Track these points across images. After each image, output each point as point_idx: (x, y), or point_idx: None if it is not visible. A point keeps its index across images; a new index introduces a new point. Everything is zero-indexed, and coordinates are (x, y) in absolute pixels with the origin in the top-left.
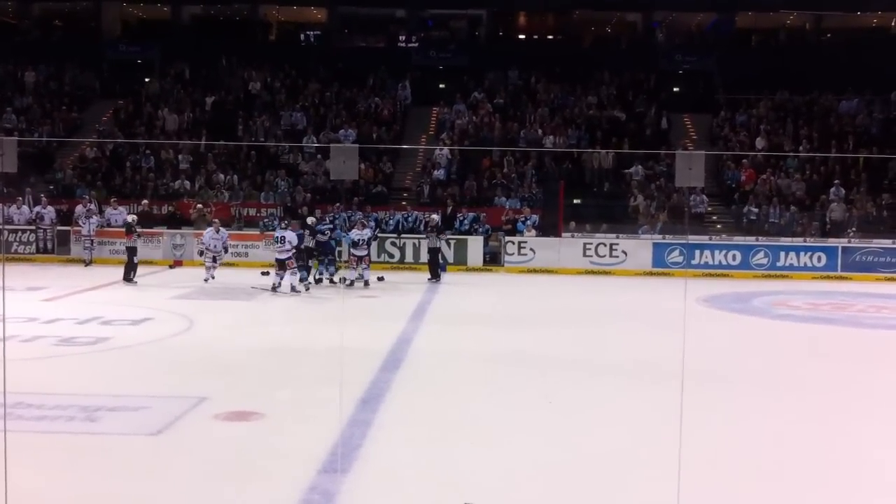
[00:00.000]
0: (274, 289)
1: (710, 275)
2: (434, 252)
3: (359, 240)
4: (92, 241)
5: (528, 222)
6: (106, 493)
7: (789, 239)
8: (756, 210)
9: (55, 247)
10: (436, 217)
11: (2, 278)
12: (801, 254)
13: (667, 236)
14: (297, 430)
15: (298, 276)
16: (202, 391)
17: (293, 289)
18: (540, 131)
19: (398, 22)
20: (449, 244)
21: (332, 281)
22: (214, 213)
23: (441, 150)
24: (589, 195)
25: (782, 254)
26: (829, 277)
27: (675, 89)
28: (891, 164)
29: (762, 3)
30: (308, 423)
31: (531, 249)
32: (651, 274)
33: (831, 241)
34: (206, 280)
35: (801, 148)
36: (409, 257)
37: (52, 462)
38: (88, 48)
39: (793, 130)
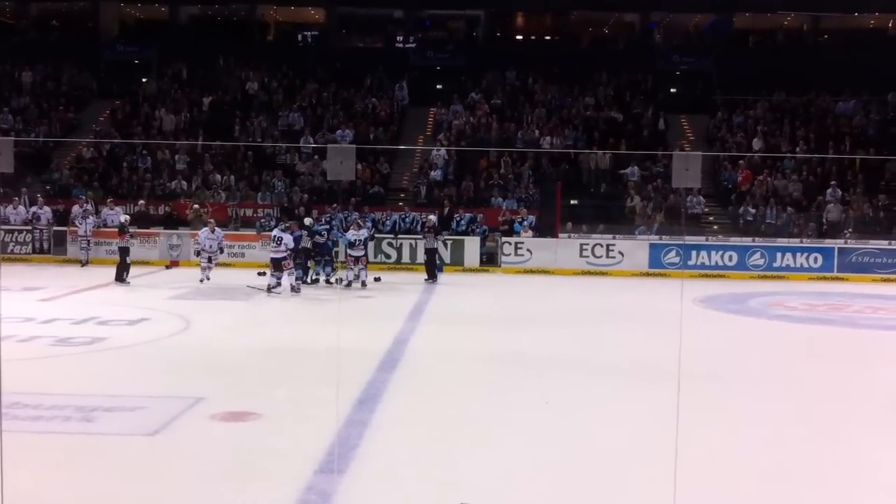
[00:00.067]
0: (269, 290)
1: (707, 275)
2: (431, 253)
3: (355, 240)
4: (88, 241)
5: (525, 223)
6: (102, 493)
7: (786, 240)
8: (753, 211)
9: (52, 247)
10: (433, 218)
11: None
12: (798, 255)
13: (663, 237)
14: (295, 431)
15: (295, 275)
16: (199, 391)
17: (293, 289)
18: (537, 132)
19: (396, 22)
20: (446, 245)
21: (328, 281)
22: (211, 214)
23: (438, 150)
24: (586, 196)
25: (779, 255)
26: (825, 278)
27: (672, 90)
28: (887, 165)
29: (760, 4)
30: (305, 424)
31: (528, 250)
32: (648, 275)
33: (828, 242)
34: (201, 281)
35: (798, 149)
36: (405, 258)
37: (48, 462)
38: (85, 48)
39: (790, 131)
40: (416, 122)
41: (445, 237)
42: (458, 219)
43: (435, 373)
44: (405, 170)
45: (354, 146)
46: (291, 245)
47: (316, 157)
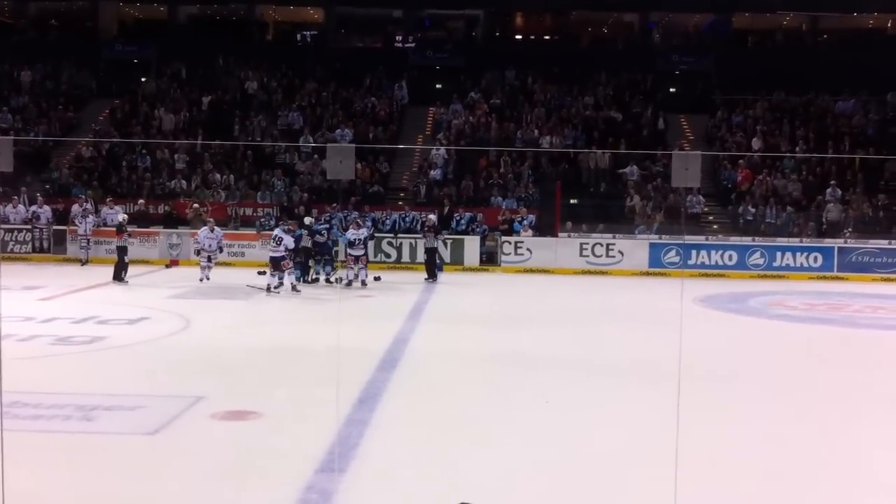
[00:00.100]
0: (268, 289)
1: (707, 275)
2: (431, 252)
3: (355, 239)
4: (88, 240)
5: (525, 222)
6: (102, 492)
7: (786, 239)
8: (753, 210)
9: (51, 246)
10: (433, 217)
11: None
12: (798, 254)
13: (663, 236)
14: (295, 430)
15: (295, 275)
16: (199, 391)
17: (293, 288)
18: (536, 131)
19: (395, 22)
20: (446, 244)
21: (328, 281)
22: (211, 213)
23: (438, 150)
24: (585, 195)
25: (779, 254)
26: (825, 278)
27: (671, 90)
28: (887, 164)
29: (759, 4)
30: (305, 423)
31: (528, 249)
32: (647, 274)
33: (828, 242)
34: (201, 280)
35: (797, 149)
36: (405, 257)
37: (48, 461)
38: (85, 47)
39: (789, 131)
40: (416, 122)
41: (445, 236)
42: (457, 218)
43: (435, 372)
44: (405, 169)
45: (354, 145)
46: (291, 246)
47: (315, 156)
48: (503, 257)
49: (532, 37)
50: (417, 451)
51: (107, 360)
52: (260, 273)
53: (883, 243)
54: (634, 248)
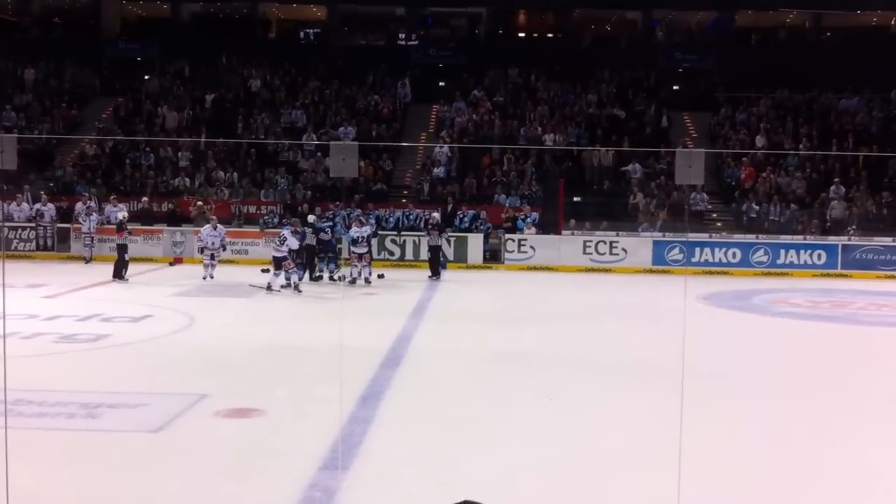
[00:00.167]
0: (269, 288)
1: (710, 272)
2: (435, 250)
3: (358, 237)
4: (92, 238)
5: (528, 220)
6: (106, 490)
7: (789, 237)
8: (756, 208)
9: (55, 244)
10: (436, 215)
11: (2, 275)
12: (801, 252)
13: (667, 234)
14: (298, 428)
15: (296, 275)
16: (202, 388)
17: (296, 287)
18: (540, 129)
19: (398, 20)
20: (449, 242)
21: (332, 278)
22: (214, 211)
23: (441, 147)
24: (589, 193)
25: (782, 252)
26: (828, 275)
27: (674, 87)
28: (891, 162)
29: (762, 2)
30: (308, 421)
31: (531, 247)
32: (651, 272)
33: (831, 239)
34: (204, 278)
35: (800, 146)
36: (409, 255)
37: (52, 459)
38: (88, 45)
39: (792, 129)
40: (419, 120)
41: (449, 234)
42: (461, 216)
43: (438, 370)
44: (408, 167)
45: (357, 143)
46: (295, 247)
47: (319, 154)
48: (506, 255)
49: (535, 34)
50: (420, 449)
51: (110, 358)
52: (264, 271)
53: (887, 241)
54: (638, 246)
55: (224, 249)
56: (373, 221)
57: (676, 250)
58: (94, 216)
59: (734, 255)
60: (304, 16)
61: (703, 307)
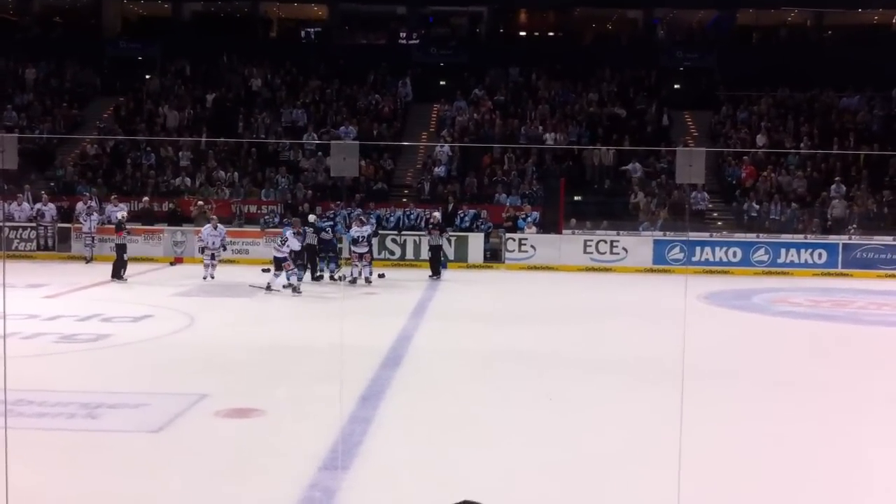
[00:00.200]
0: (268, 288)
1: (711, 272)
2: (436, 250)
3: (358, 237)
4: (93, 238)
5: (529, 219)
6: (106, 490)
7: (790, 236)
8: (757, 207)
9: (56, 244)
10: (437, 215)
11: (2, 275)
12: (802, 251)
13: (667, 233)
14: (298, 428)
15: (296, 276)
16: (202, 388)
17: (294, 289)
18: (540, 128)
19: (399, 19)
20: (450, 241)
21: (333, 278)
22: (215, 211)
23: (442, 146)
24: (589, 192)
25: (783, 251)
26: (829, 274)
27: (675, 86)
28: (892, 160)
29: (763, 0)
30: (308, 421)
31: (532, 246)
32: (651, 271)
33: (832, 238)
34: (204, 278)
35: (801, 145)
36: (409, 254)
37: (52, 459)
38: (89, 45)
39: (793, 127)
40: (420, 119)
41: (450, 234)
42: (461, 215)
43: (438, 370)
44: (409, 166)
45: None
46: (297, 249)
47: (319, 153)
48: (507, 254)
49: (536, 33)
50: (420, 449)
51: (110, 358)
52: (264, 271)
53: (887, 240)
54: (638, 245)
55: (224, 249)
56: (373, 221)
57: (677, 249)
58: (95, 216)
59: (735, 255)
60: (305, 15)
61: (704, 306)
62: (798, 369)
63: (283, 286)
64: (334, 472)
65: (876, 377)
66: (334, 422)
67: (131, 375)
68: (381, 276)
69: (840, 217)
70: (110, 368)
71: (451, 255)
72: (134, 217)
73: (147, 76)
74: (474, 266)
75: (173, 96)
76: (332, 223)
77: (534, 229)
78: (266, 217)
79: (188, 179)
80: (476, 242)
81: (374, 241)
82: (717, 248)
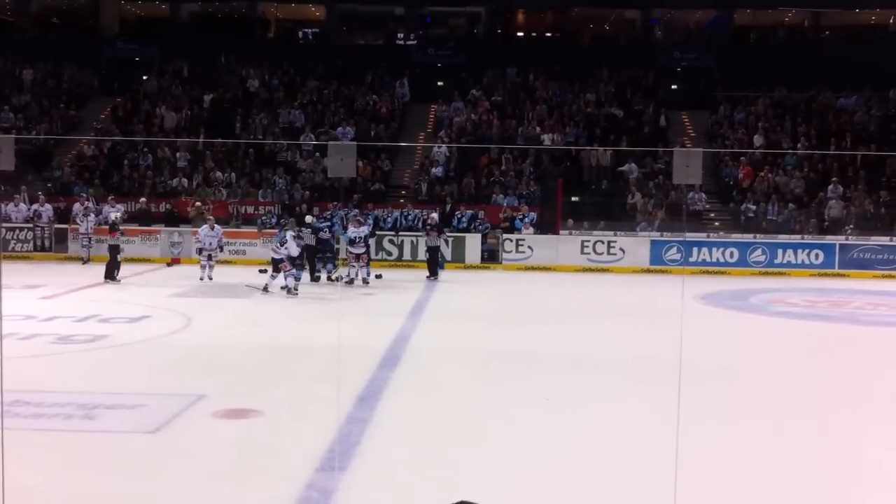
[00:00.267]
0: (265, 289)
1: (708, 272)
2: (434, 251)
3: (356, 237)
4: (90, 238)
5: (526, 220)
6: (103, 491)
7: (787, 236)
8: (754, 207)
9: (53, 244)
10: (435, 216)
11: None
12: (799, 251)
13: (664, 234)
14: (295, 428)
15: (293, 278)
16: (200, 389)
17: (289, 291)
18: (538, 129)
19: (397, 19)
20: (447, 242)
21: (330, 279)
22: (212, 211)
23: (439, 147)
24: (587, 193)
25: (780, 251)
26: (826, 275)
27: (673, 87)
28: (889, 161)
29: (761, 1)
30: (306, 421)
31: (529, 247)
32: (649, 271)
33: (829, 239)
34: (201, 279)
35: (799, 145)
36: (407, 255)
37: (49, 460)
38: (86, 46)
39: (791, 128)
40: (417, 119)
41: (447, 235)
42: (459, 216)
43: (436, 370)
44: (406, 167)
45: (355, 143)
46: (294, 254)
47: (317, 154)
48: (504, 255)
49: (534, 34)
50: (418, 450)
51: (108, 359)
52: (261, 271)
53: (884, 240)
54: (635, 246)
55: (221, 250)
56: (370, 221)
57: (674, 250)
58: (92, 217)
59: (732, 255)
60: (303, 15)
61: (701, 307)
62: (795, 369)
63: (281, 287)
64: (331, 472)
65: (873, 377)
66: (332, 422)
67: (128, 376)
68: (379, 276)
69: (837, 217)
70: (108, 369)
71: (448, 256)
72: (131, 218)
73: (144, 77)
74: (472, 267)
75: (171, 97)
76: (329, 224)
77: (531, 230)
78: (263, 218)
79: (185, 180)
80: (473, 243)
81: (372, 241)
82: (715, 249)
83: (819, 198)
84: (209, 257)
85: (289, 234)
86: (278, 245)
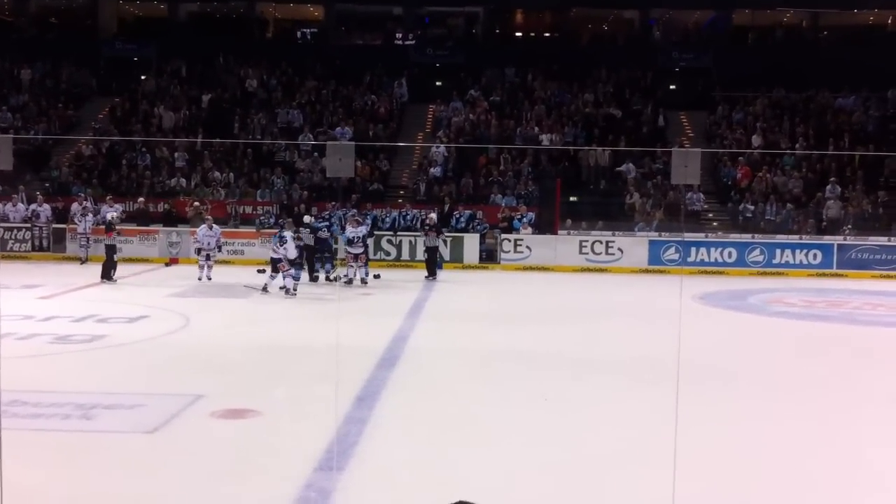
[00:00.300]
0: (265, 289)
1: (706, 272)
2: (432, 251)
3: (354, 237)
4: (88, 238)
5: (525, 220)
6: (102, 491)
7: (785, 236)
8: (752, 207)
9: (51, 244)
10: (433, 216)
11: None
12: (797, 251)
13: (663, 234)
14: (293, 428)
15: (291, 279)
16: (198, 389)
17: (288, 291)
18: (536, 129)
19: (395, 19)
20: (445, 242)
21: (328, 279)
22: (210, 211)
23: (437, 147)
24: (585, 193)
25: (778, 251)
26: (824, 275)
27: (671, 87)
28: (887, 161)
29: (759, 1)
30: (304, 421)
31: (527, 247)
32: (647, 271)
33: (827, 239)
34: (200, 279)
35: (797, 145)
36: (405, 255)
37: (47, 460)
38: (85, 45)
39: (789, 128)
40: (416, 119)
41: (446, 235)
42: (457, 216)
43: (434, 370)
44: (404, 167)
45: (354, 143)
46: (292, 256)
47: (315, 154)
48: (503, 255)
49: (532, 34)
50: (416, 450)
51: (106, 359)
52: (260, 271)
53: (882, 240)
54: (634, 246)
55: (219, 250)
56: (369, 221)
57: (672, 250)
58: (90, 217)
59: (730, 255)
60: (302, 15)
61: (699, 307)
62: (794, 369)
63: (280, 287)
64: (330, 472)
65: (872, 377)
66: (330, 422)
67: (127, 376)
68: (377, 276)
69: (835, 218)
70: (106, 369)
71: (446, 256)
72: (129, 218)
73: (143, 77)
74: (470, 267)
75: (169, 97)
76: (327, 223)
77: (529, 230)
78: (262, 218)
79: (184, 180)
80: (472, 243)
81: (370, 241)
82: (713, 249)
83: (817, 198)
84: (207, 257)
85: (288, 235)
86: (278, 244)
